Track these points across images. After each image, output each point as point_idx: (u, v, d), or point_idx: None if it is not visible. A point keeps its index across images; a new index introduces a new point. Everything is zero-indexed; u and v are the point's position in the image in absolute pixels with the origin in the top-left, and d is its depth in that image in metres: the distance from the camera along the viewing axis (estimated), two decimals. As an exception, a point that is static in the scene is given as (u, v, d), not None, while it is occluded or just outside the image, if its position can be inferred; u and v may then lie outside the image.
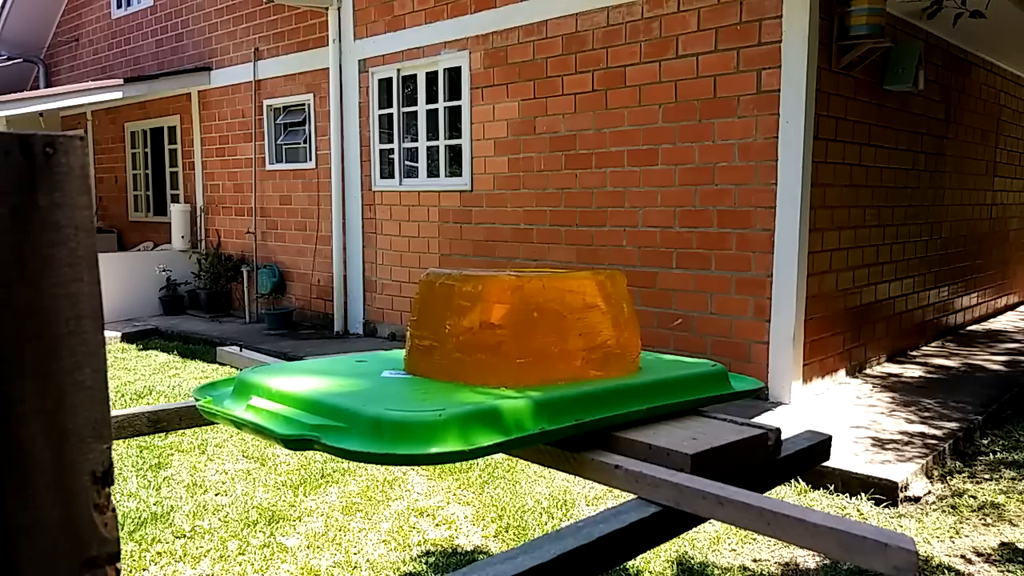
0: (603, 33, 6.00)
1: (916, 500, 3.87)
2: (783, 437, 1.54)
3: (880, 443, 4.40)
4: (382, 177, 7.90)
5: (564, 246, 6.42)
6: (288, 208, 8.97)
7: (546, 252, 6.55)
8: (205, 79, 9.71)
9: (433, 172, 7.46)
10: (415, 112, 7.53)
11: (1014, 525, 3.55)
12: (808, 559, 3.23)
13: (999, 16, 5.90)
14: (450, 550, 3.34)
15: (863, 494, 3.85)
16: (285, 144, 8.98)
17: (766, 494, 1.24)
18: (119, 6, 11.44)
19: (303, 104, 8.65)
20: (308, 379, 1.54)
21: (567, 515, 3.66)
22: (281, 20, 8.68)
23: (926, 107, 6.79)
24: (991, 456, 4.42)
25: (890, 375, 6.10)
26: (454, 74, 7.14)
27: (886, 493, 3.83)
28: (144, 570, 3.16)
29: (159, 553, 3.28)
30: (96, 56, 12.08)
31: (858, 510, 3.73)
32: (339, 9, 7.95)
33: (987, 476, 4.14)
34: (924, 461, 4.11)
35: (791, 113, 5.11)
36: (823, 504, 3.78)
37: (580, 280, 1.59)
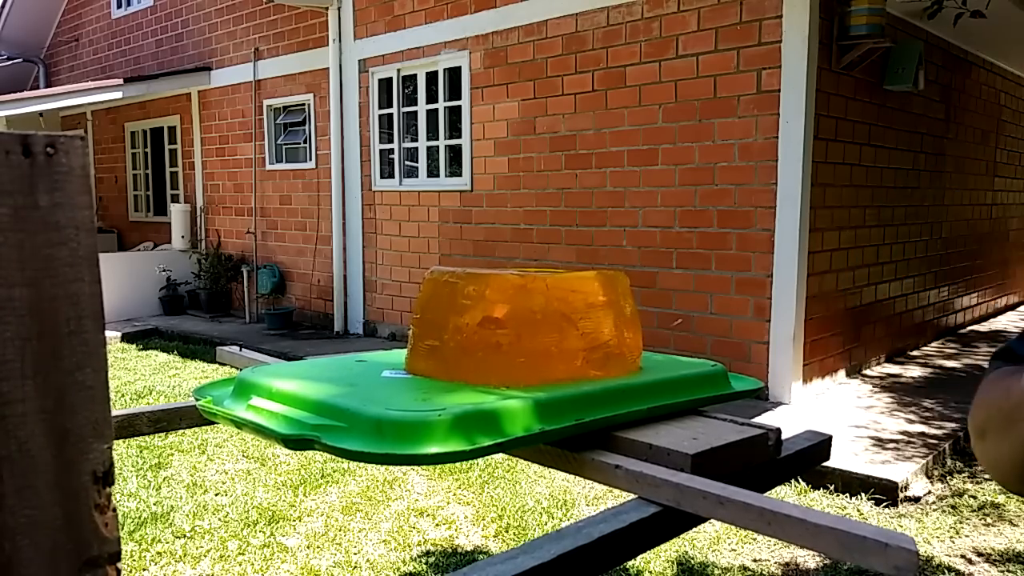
0: (603, 33, 6.00)
1: (916, 500, 3.87)
2: (783, 437, 1.54)
3: (880, 443, 4.40)
4: (382, 177, 7.90)
5: (564, 246, 6.43)
6: (288, 208, 8.97)
7: (546, 252, 6.55)
8: (205, 79, 9.71)
9: (433, 172, 7.46)
10: (415, 112, 7.53)
11: (1014, 525, 3.55)
12: (808, 559, 3.23)
13: (999, 16, 5.90)
14: (450, 550, 3.34)
15: (863, 494, 3.85)
16: (285, 144, 8.98)
17: (766, 494, 1.24)
18: (119, 6, 11.44)
19: (303, 104, 8.65)
20: (308, 379, 1.54)
21: (567, 515, 3.66)
22: (281, 20, 8.69)
23: (926, 107, 6.79)
24: (991, 456, 4.42)
25: (890, 375, 6.10)
26: (454, 74, 7.14)
27: (886, 493, 3.83)
28: (144, 570, 3.16)
29: (159, 553, 3.28)
30: (96, 56, 12.08)
31: (858, 510, 3.73)
32: (339, 9, 7.96)
33: (987, 476, 4.13)
34: (924, 461, 4.11)
35: (791, 113, 5.11)
36: (823, 504, 3.78)
37: (583, 279, 1.59)
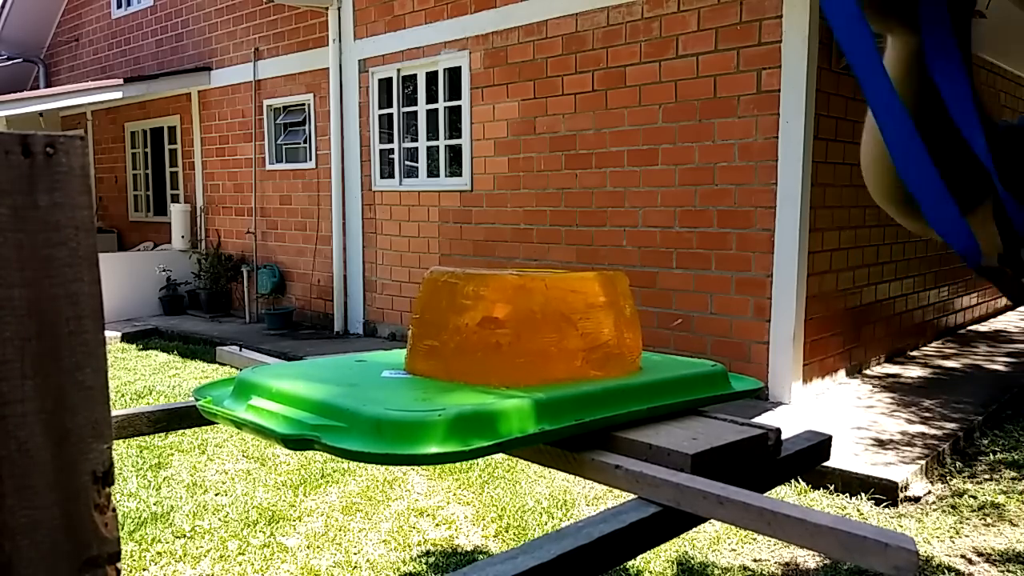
0: (603, 33, 6.00)
1: (916, 500, 3.87)
2: (783, 437, 1.54)
3: (880, 443, 4.40)
4: (382, 177, 7.90)
5: (564, 246, 6.42)
6: (288, 208, 8.97)
7: (546, 252, 6.55)
8: (205, 79, 9.71)
9: (433, 172, 7.46)
10: (415, 112, 7.53)
11: (1014, 525, 3.55)
12: (808, 559, 3.23)
13: (999, 16, 5.90)
14: (450, 550, 3.34)
15: (863, 494, 3.85)
16: (285, 144, 8.98)
17: (766, 494, 1.24)
18: (119, 6, 11.44)
19: (303, 104, 8.65)
20: (308, 379, 1.54)
21: (567, 515, 3.66)
22: (281, 20, 8.69)
23: (926, 107, 6.78)
24: (991, 456, 4.42)
25: (890, 375, 6.10)
26: (454, 74, 7.14)
27: (886, 493, 3.83)
28: (144, 570, 3.16)
29: (159, 553, 3.28)
30: (96, 56, 12.08)
31: (858, 510, 3.73)
32: (339, 9, 7.96)
33: (987, 476, 4.14)
34: (924, 461, 4.11)
35: (791, 113, 5.11)
36: (823, 504, 3.78)
37: (583, 280, 1.59)
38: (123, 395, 5.83)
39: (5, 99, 9.55)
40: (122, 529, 3.41)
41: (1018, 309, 9.84)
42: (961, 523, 3.58)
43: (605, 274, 1.65)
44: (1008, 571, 3.14)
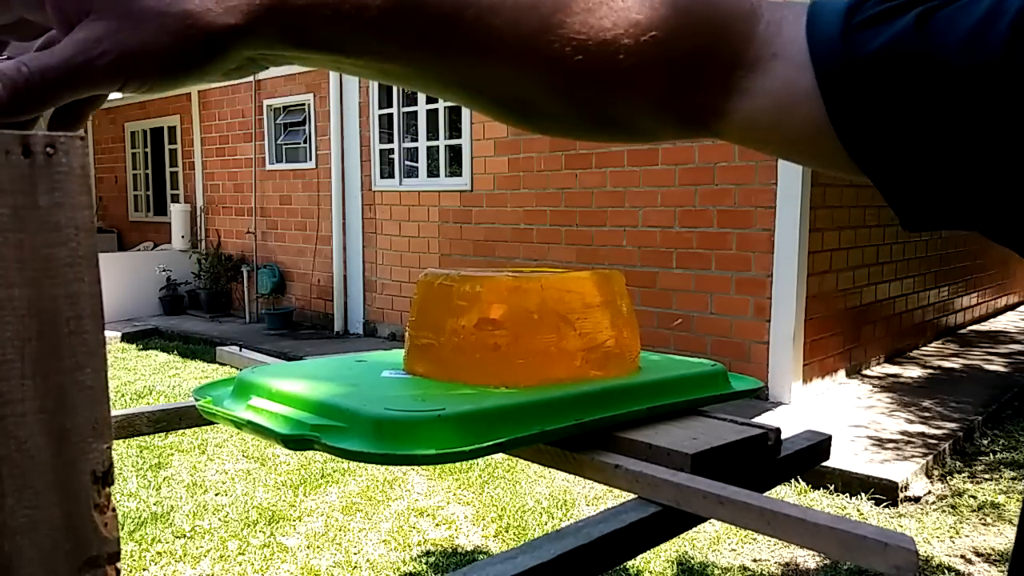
0: (603, 33, 6.00)
1: (916, 500, 3.87)
2: (783, 437, 1.54)
3: (880, 443, 4.40)
4: (382, 177, 7.90)
5: (564, 246, 6.42)
6: (288, 208, 8.97)
7: (546, 252, 6.55)
8: (205, 79, 9.71)
9: (433, 172, 7.46)
10: (415, 112, 7.53)
11: (1014, 525, 3.55)
12: (808, 559, 3.23)
13: (999, 16, 5.90)
14: (450, 550, 3.34)
15: (863, 494, 3.85)
16: (285, 144, 8.98)
17: (766, 494, 1.24)
18: (119, 6, 11.44)
19: (303, 104, 8.65)
20: (308, 379, 1.54)
21: (567, 515, 3.66)
22: (281, 20, 8.68)
23: (926, 107, 6.78)
24: (991, 456, 4.42)
25: (890, 375, 6.10)
26: (454, 74, 7.14)
27: (886, 493, 3.83)
28: (144, 570, 3.16)
29: (159, 553, 3.28)
30: (96, 56, 12.08)
31: (858, 510, 3.73)
32: (339, 9, 7.96)
33: (987, 476, 4.14)
34: (924, 461, 4.11)
35: (791, 113, 5.11)
36: (823, 504, 3.78)
37: (579, 279, 1.59)
38: (123, 395, 5.83)
39: (5, 99, 9.55)
40: (122, 529, 3.41)
41: (1018, 309, 9.84)
42: (961, 523, 3.58)
43: (601, 273, 1.64)
44: (1007, 571, 3.14)
